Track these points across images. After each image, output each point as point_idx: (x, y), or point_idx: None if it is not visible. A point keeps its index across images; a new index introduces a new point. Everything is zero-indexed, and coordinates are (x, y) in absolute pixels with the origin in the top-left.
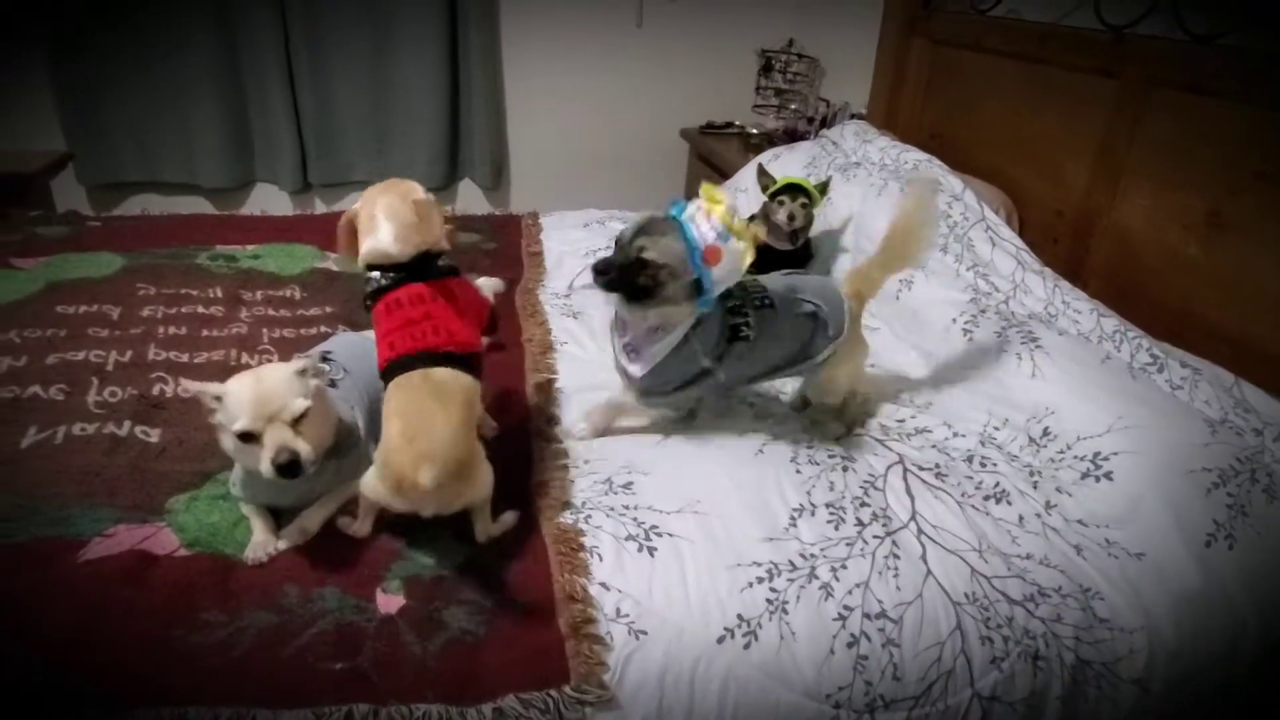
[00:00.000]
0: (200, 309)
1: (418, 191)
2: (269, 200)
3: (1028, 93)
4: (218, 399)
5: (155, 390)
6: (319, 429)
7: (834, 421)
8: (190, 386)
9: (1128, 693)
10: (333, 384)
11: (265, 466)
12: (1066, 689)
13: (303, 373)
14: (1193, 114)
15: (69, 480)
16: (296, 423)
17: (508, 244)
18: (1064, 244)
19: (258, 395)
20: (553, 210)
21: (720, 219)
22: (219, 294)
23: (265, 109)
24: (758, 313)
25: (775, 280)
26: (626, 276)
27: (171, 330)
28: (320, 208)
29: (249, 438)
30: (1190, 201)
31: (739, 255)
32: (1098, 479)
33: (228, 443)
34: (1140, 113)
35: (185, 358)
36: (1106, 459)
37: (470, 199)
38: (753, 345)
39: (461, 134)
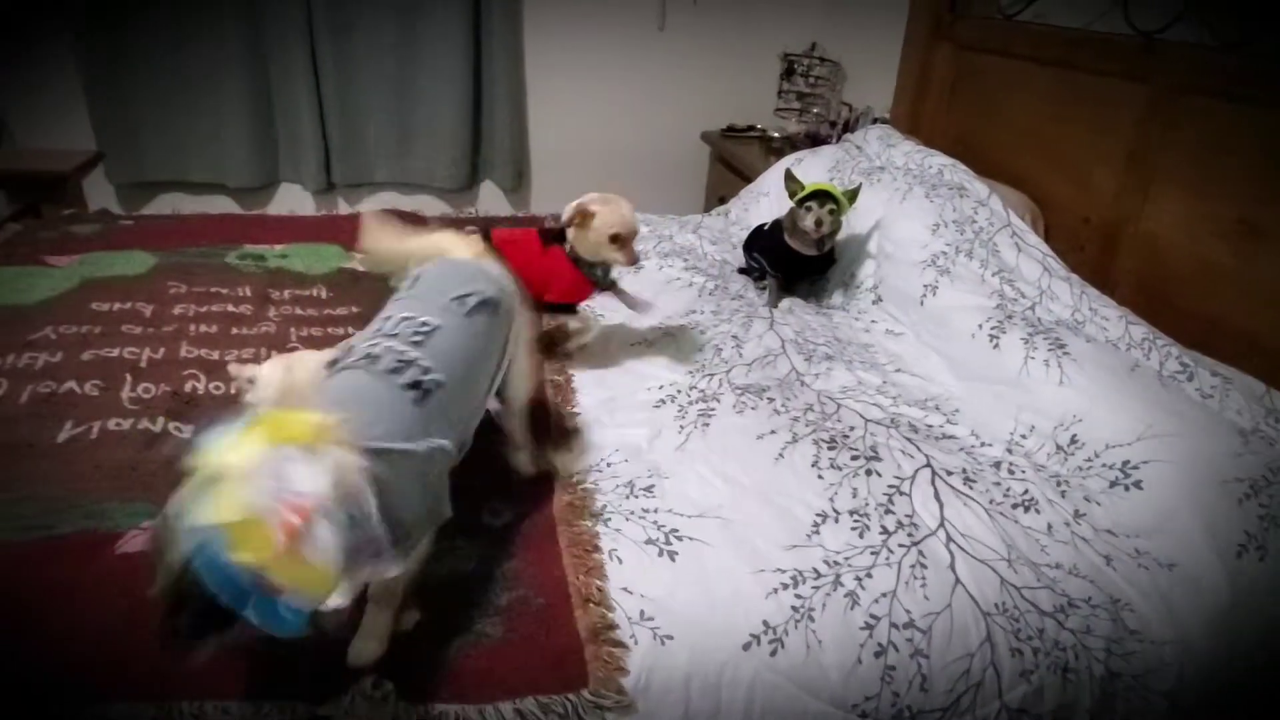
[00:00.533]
0: (230, 307)
1: None
2: (293, 200)
3: (1055, 98)
4: (251, 380)
5: (188, 387)
6: None
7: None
8: (231, 369)
9: (1158, 706)
10: None
11: None
12: (1096, 702)
13: (332, 364)
14: (1223, 120)
15: (105, 475)
16: None
17: None
18: (1091, 251)
19: (287, 383)
20: None
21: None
22: (248, 293)
23: (291, 110)
24: (425, 342)
25: (406, 300)
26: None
27: (202, 328)
28: (343, 208)
29: None
30: (1221, 209)
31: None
32: (1127, 488)
33: None
34: (1170, 119)
35: (216, 355)
36: (1136, 468)
37: (491, 200)
38: (449, 383)
39: (483, 136)
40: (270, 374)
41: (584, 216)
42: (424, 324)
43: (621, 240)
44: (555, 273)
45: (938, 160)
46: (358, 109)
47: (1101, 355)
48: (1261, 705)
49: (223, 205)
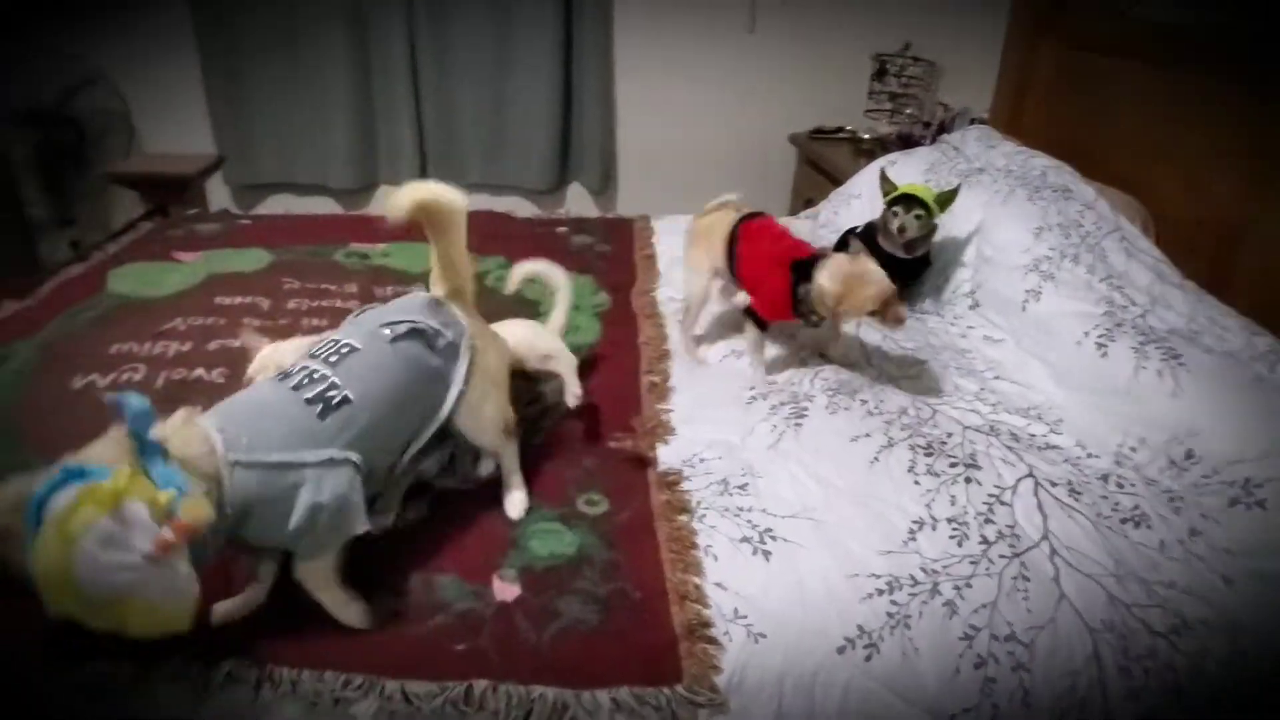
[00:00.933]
0: (339, 303)
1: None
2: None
3: (1169, 96)
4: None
5: None
6: None
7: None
8: (247, 339)
9: None
10: None
11: None
12: None
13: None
14: None
15: None
16: None
17: (620, 247)
18: (1206, 258)
19: (266, 364)
20: (660, 214)
21: None
22: (354, 289)
23: (391, 115)
24: (340, 363)
25: (345, 327)
26: None
27: (315, 322)
28: None
29: None
30: None
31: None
32: (1248, 506)
33: None
34: None
35: None
36: (1260, 486)
37: (578, 202)
38: (357, 401)
39: (572, 138)
40: (264, 354)
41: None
42: (344, 345)
43: (883, 309)
44: (774, 289)
45: (1041, 161)
46: (453, 112)
47: (1220, 367)
48: None
49: (325, 206)
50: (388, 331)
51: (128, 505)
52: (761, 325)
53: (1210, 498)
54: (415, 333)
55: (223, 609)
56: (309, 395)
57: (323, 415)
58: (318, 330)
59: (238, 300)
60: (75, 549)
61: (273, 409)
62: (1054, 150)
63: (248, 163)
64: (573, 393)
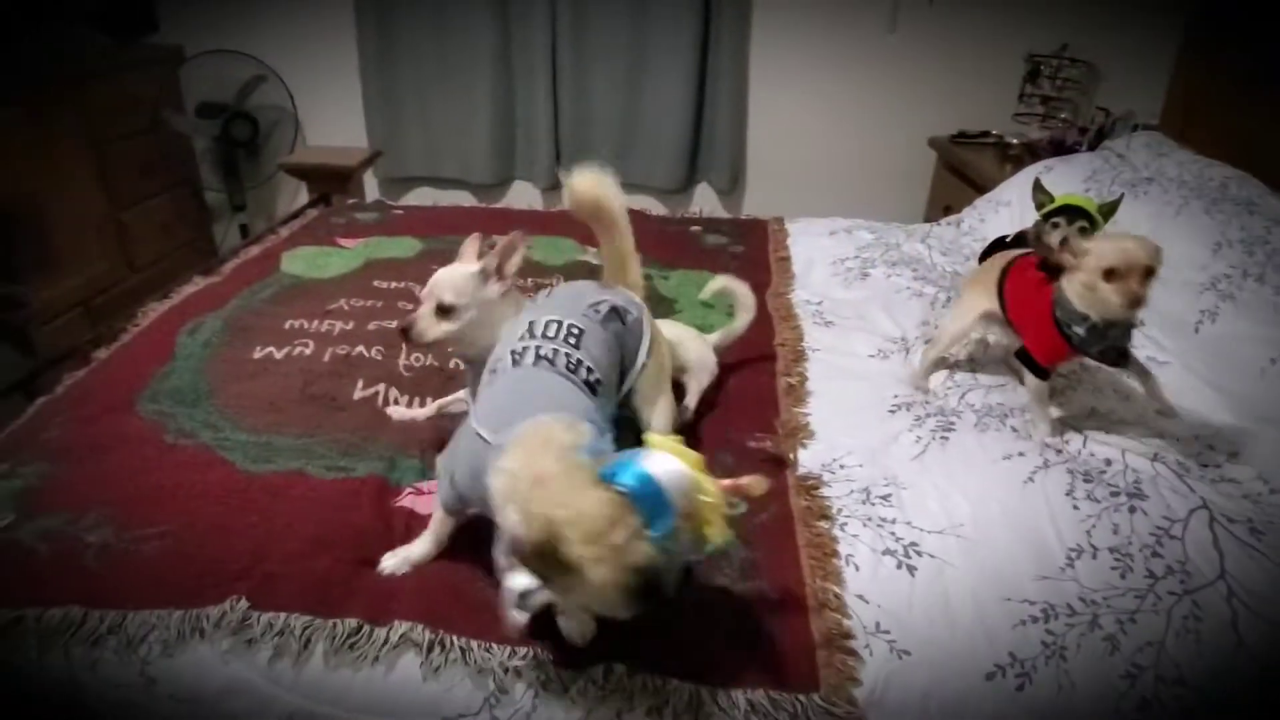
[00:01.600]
0: None
1: None
2: (524, 196)
3: None
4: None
5: (451, 364)
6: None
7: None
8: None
9: None
10: None
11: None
12: None
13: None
14: None
15: (390, 430)
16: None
17: (754, 247)
18: None
19: (443, 273)
20: (787, 215)
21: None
22: None
23: (530, 113)
24: (580, 344)
25: (546, 306)
26: None
27: None
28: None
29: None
30: None
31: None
32: None
33: None
34: None
35: None
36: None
37: (704, 201)
38: (606, 380)
39: (703, 137)
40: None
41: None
42: (573, 326)
43: (1118, 275)
44: (1038, 316)
45: (1221, 172)
46: (588, 110)
47: None
48: None
49: (464, 199)
50: (594, 312)
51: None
52: (1041, 374)
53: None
54: (614, 311)
55: (390, 563)
56: (581, 379)
57: (592, 398)
58: None
59: (392, 284)
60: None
61: (570, 396)
62: (1236, 158)
63: (396, 157)
64: (685, 405)
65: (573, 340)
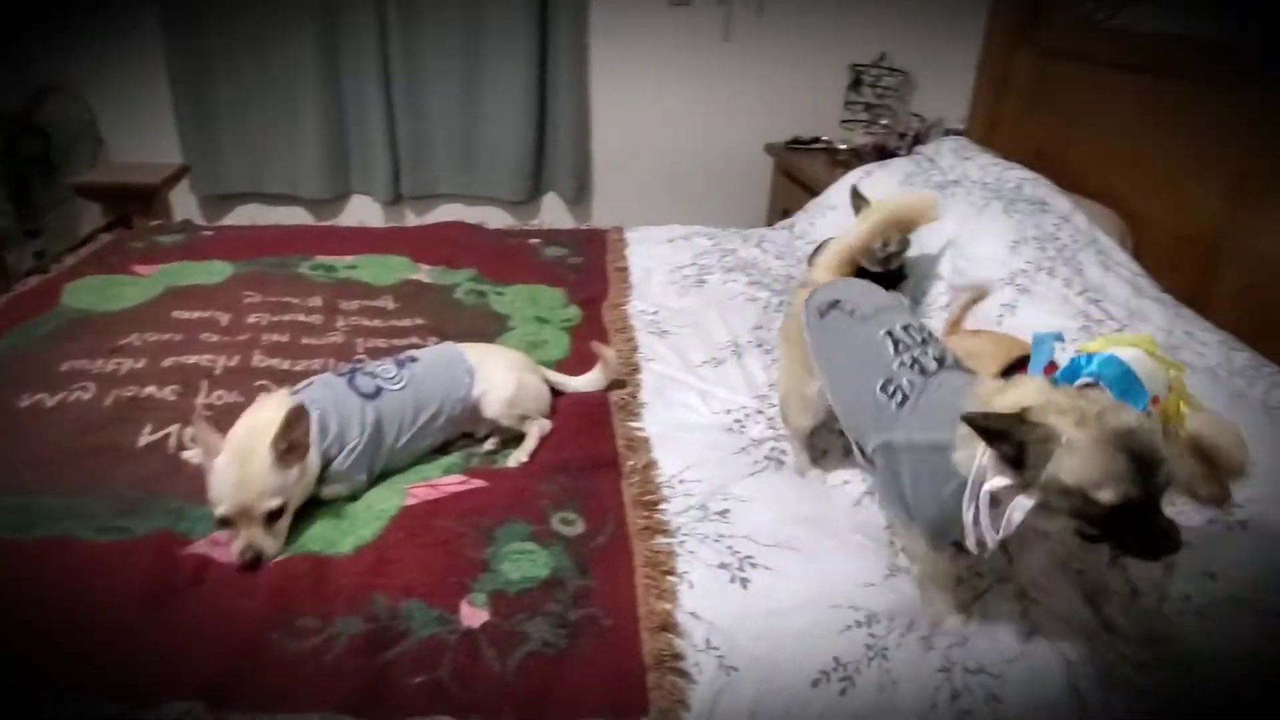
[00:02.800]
0: (301, 317)
1: None
2: (363, 211)
3: (1149, 108)
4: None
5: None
6: (289, 515)
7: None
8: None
9: None
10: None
11: (234, 554)
12: None
13: (285, 455)
14: None
15: (182, 479)
16: (269, 519)
17: (593, 258)
18: (1187, 272)
19: (238, 483)
20: (635, 224)
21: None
22: (318, 303)
23: (363, 123)
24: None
25: (868, 316)
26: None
27: (275, 338)
28: (410, 219)
29: (225, 522)
30: None
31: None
32: (1229, 528)
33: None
34: None
35: (287, 365)
36: (1240, 507)
37: (553, 212)
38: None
39: (547, 147)
40: (224, 474)
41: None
42: (924, 328)
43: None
44: None
45: (1017, 174)
46: (426, 122)
47: (1198, 384)
48: None
49: (296, 216)
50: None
51: None
52: None
53: (1190, 518)
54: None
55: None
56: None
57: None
58: (278, 346)
59: (196, 315)
60: None
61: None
62: (1031, 162)
63: (216, 172)
64: (518, 458)
65: (925, 337)
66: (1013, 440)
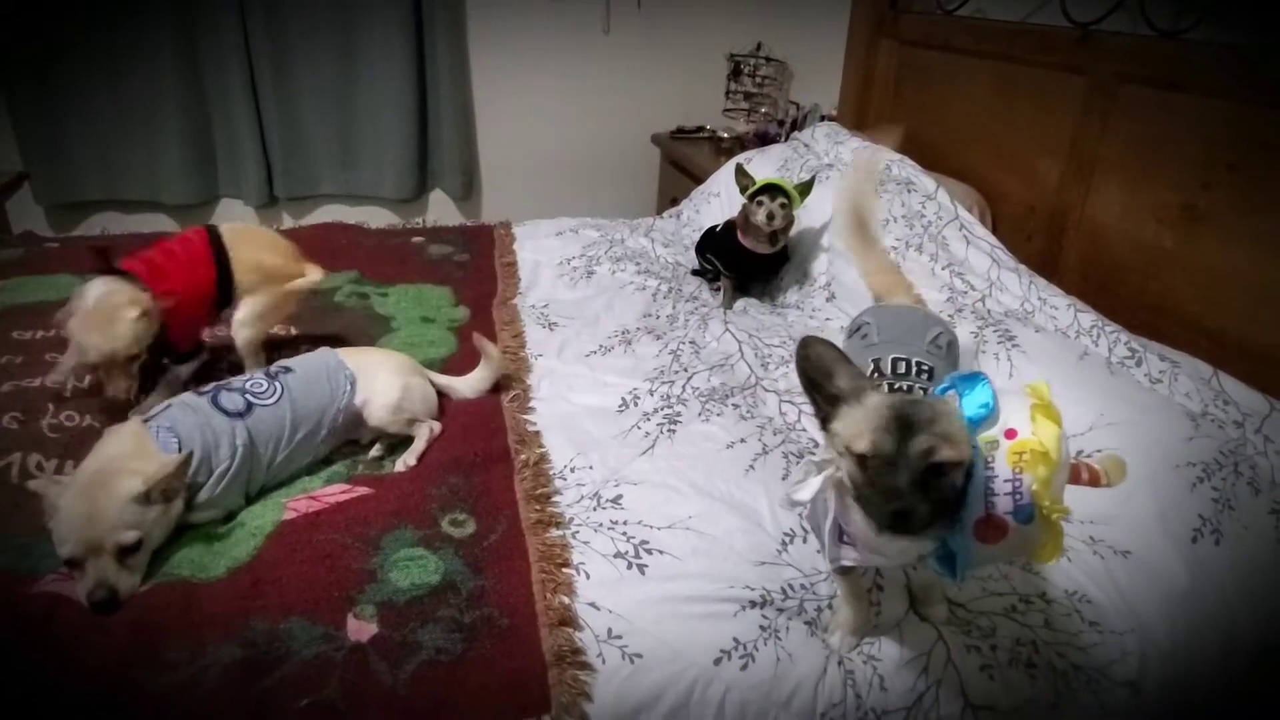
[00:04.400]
0: None
1: None
2: (234, 216)
3: (997, 91)
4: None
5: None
6: (149, 549)
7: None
8: (33, 485)
9: (1121, 695)
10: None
11: (81, 598)
12: (1059, 695)
13: (145, 495)
14: (1163, 109)
15: (25, 514)
16: (123, 553)
17: (480, 255)
18: (1038, 240)
19: (86, 519)
20: (526, 219)
21: (1035, 488)
22: None
23: (229, 124)
24: (930, 378)
25: (882, 339)
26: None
27: None
28: (288, 221)
29: (73, 563)
30: (1164, 195)
31: (1028, 546)
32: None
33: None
34: (1110, 108)
35: None
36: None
37: (441, 210)
38: None
39: (430, 144)
40: (70, 512)
41: None
42: (922, 364)
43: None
44: None
45: (885, 155)
46: (299, 121)
47: (1051, 346)
48: (1222, 690)
49: (160, 224)
50: (936, 348)
51: None
52: None
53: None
54: (951, 343)
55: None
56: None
57: None
58: None
59: (38, 334)
60: None
61: None
62: (896, 144)
63: (62, 179)
64: (405, 461)
65: (925, 377)
66: (824, 394)
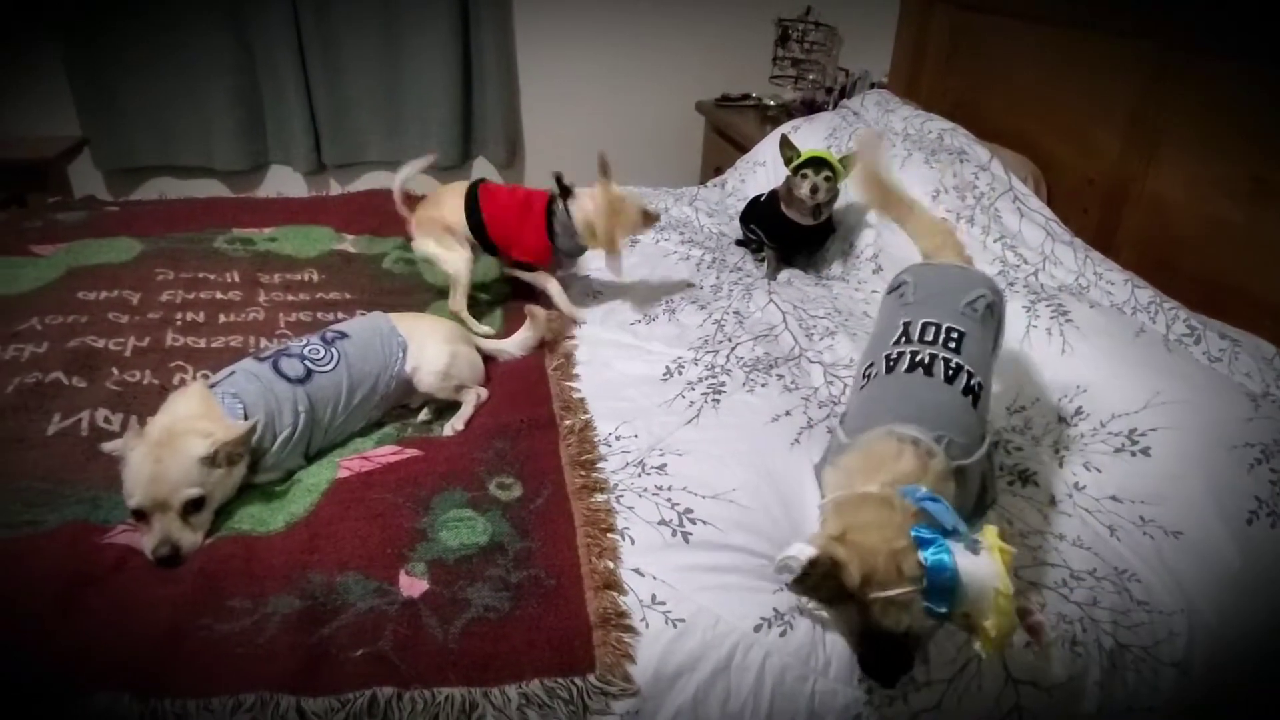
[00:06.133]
0: (218, 294)
1: None
2: (284, 182)
3: (1055, 57)
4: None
5: (175, 380)
6: (211, 508)
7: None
8: (106, 448)
9: (1168, 676)
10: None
11: (146, 552)
12: (1105, 674)
13: (210, 458)
14: (1233, 77)
15: (97, 466)
16: (187, 510)
17: None
18: (1094, 213)
19: (153, 476)
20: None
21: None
22: (236, 278)
23: (278, 90)
24: (961, 349)
25: (916, 307)
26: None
27: (190, 316)
28: (335, 189)
29: (139, 515)
30: (1230, 168)
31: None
32: (1134, 454)
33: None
34: (1177, 76)
35: (203, 343)
36: (1144, 435)
37: (485, 176)
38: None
39: (475, 111)
40: (138, 468)
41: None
42: (953, 330)
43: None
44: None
45: (937, 125)
46: (346, 89)
47: (1106, 321)
48: (1271, 673)
49: (212, 189)
50: (971, 310)
51: None
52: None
53: (1096, 448)
54: (990, 307)
55: None
56: (961, 387)
57: (974, 406)
58: (193, 325)
59: (103, 295)
60: None
61: (947, 405)
62: (950, 112)
63: (120, 145)
64: (454, 426)
65: (953, 344)
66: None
